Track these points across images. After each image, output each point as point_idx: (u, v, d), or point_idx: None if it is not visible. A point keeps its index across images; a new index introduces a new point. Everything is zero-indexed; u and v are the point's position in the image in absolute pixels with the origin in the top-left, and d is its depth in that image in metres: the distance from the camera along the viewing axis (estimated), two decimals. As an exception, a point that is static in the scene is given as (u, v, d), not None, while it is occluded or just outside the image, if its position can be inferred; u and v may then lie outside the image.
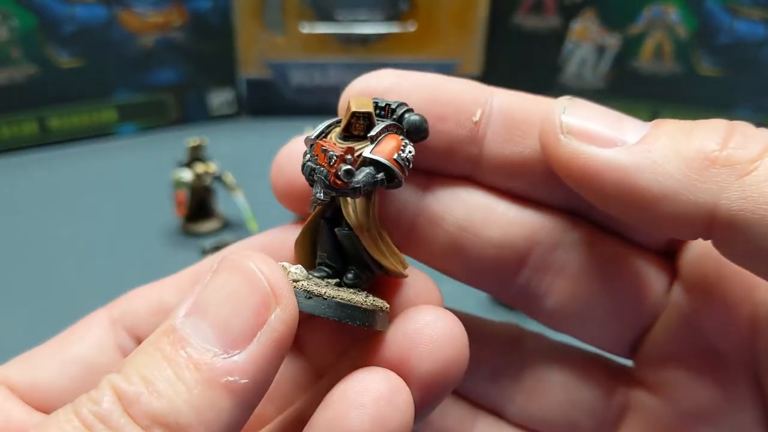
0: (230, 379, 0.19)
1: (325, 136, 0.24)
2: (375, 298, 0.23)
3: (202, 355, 0.19)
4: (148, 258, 0.73)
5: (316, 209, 0.24)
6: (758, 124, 0.22)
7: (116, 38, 0.94)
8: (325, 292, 0.22)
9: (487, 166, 0.26)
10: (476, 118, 0.25)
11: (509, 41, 1.00)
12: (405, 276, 0.25)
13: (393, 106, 0.24)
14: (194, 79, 1.01)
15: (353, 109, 0.23)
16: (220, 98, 1.04)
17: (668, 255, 0.27)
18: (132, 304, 0.27)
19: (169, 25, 0.97)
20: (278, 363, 0.20)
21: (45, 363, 0.25)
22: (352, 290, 0.23)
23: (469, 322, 0.28)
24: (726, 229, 0.20)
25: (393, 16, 1.00)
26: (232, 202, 0.78)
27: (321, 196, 0.22)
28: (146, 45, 0.96)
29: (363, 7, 0.99)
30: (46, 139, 0.95)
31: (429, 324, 0.23)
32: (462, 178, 0.26)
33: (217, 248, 0.72)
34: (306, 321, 0.28)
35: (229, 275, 0.20)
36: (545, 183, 0.26)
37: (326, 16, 0.99)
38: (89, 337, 0.26)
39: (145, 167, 0.90)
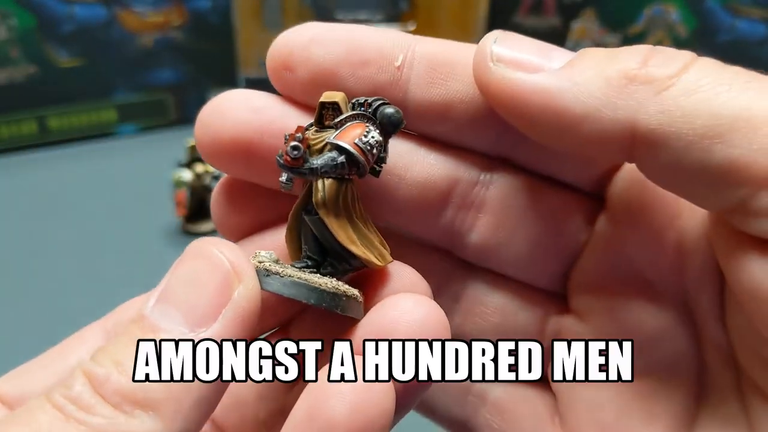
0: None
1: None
2: (343, 284, 0.24)
3: (171, 335, 0.20)
4: (148, 258, 0.73)
5: (298, 202, 0.25)
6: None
7: (116, 38, 0.94)
8: (283, 271, 0.23)
9: (411, 111, 0.26)
10: (398, 63, 0.25)
11: (509, 41, 1.00)
12: (378, 266, 0.25)
13: (369, 101, 0.24)
14: (194, 79, 1.01)
15: (321, 99, 0.24)
16: (219, 98, 1.04)
17: (596, 196, 0.28)
18: (126, 312, 0.27)
19: (169, 25, 0.97)
20: (245, 335, 0.21)
21: (37, 377, 0.25)
22: (327, 279, 0.24)
23: (413, 241, 0.29)
24: (646, 146, 0.21)
25: (393, 16, 1.00)
26: (232, 202, 0.78)
27: (283, 179, 0.24)
28: (146, 45, 0.96)
29: (363, 7, 0.99)
30: (46, 139, 0.95)
31: (407, 311, 0.23)
32: None
33: None
34: (288, 318, 0.28)
35: (192, 260, 0.21)
36: (468, 126, 0.26)
37: (326, 16, 0.99)
38: (83, 349, 0.26)
39: (145, 167, 0.90)
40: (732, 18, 0.91)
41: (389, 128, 0.24)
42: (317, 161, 0.23)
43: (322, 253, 0.25)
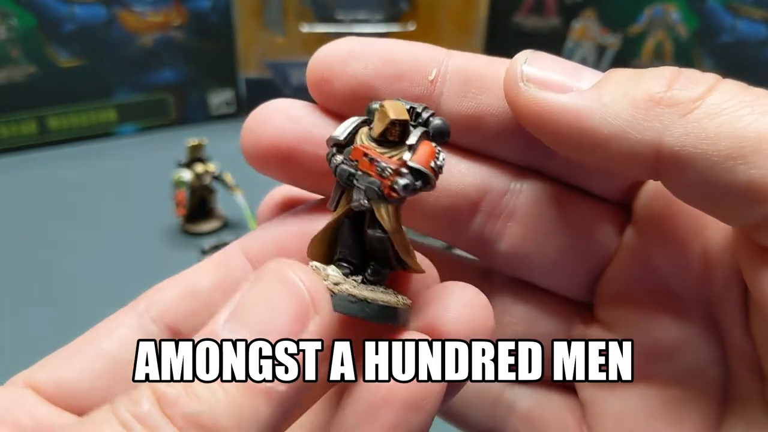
0: (269, 385, 0.19)
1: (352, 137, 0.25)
2: (403, 297, 0.25)
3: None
4: (148, 258, 0.73)
5: (344, 209, 0.25)
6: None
7: (116, 38, 0.94)
8: (366, 296, 0.23)
9: None
10: (431, 77, 0.26)
11: (509, 41, 1.00)
12: (423, 272, 0.26)
13: (418, 110, 0.25)
14: (194, 79, 1.01)
15: (392, 116, 0.24)
16: (219, 98, 1.04)
17: (624, 207, 0.28)
18: (159, 294, 0.27)
19: (169, 25, 0.97)
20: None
21: (69, 362, 0.25)
22: (382, 289, 0.24)
23: (443, 255, 0.30)
24: (671, 165, 0.22)
25: (393, 16, 1.00)
26: (232, 201, 0.78)
27: (365, 203, 0.23)
28: (146, 45, 0.97)
29: (363, 7, 0.99)
30: (46, 139, 0.95)
31: (469, 306, 0.24)
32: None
33: (217, 248, 0.72)
34: None
35: (270, 283, 0.21)
36: (499, 138, 0.27)
37: (326, 16, 0.99)
38: (113, 333, 0.26)
39: (145, 167, 0.90)
40: (733, 18, 0.91)
41: (439, 138, 0.25)
42: (402, 190, 0.23)
43: (362, 258, 0.25)
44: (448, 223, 0.28)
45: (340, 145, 0.24)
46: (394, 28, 1.00)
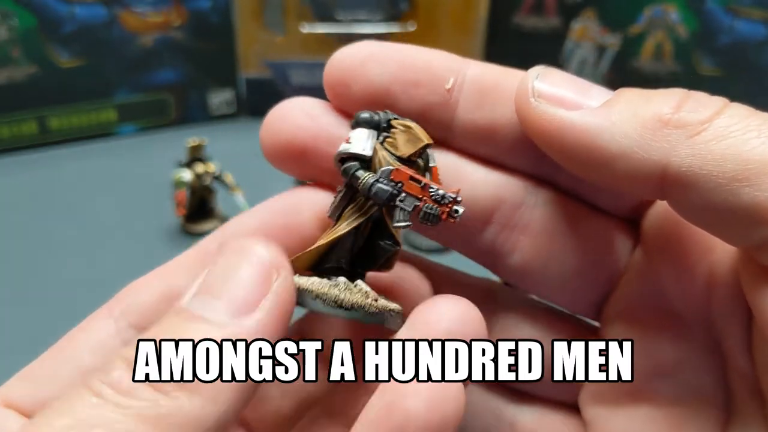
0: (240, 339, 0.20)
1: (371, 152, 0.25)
2: (392, 304, 0.25)
3: (213, 325, 0.20)
4: (148, 258, 0.72)
5: (353, 222, 0.26)
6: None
7: (116, 38, 0.94)
8: (358, 302, 0.24)
9: (458, 131, 0.27)
10: (449, 86, 0.27)
11: (509, 41, 1.00)
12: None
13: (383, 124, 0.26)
14: (194, 79, 1.01)
15: (426, 141, 0.25)
16: (219, 98, 1.04)
17: (633, 222, 0.29)
18: (135, 297, 0.27)
19: (169, 25, 0.97)
20: (284, 326, 0.22)
21: (46, 378, 0.25)
22: (375, 295, 0.25)
23: (446, 273, 0.30)
24: (677, 186, 0.22)
25: (393, 16, 1.00)
26: (232, 202, 0.78)
27: (406, 224, 0.24)
28: (146, 45, 0.97)
29: (363, 7, 0.99)
30: (46, 139, 0.95)
31: (463, 322, 0.24)
32: (435, 142, 0.28)
33: None
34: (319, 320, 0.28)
35: (232, 255, 0.22)
36: (513, 149, 0.27)
37: (326, 16, 0.99)
38: (91, 342, 0.26)
39: (145, 167, 0.90)
40: (732, 19, 0.91)
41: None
42: (460, 218, 0.24)
43: (352, 264, 0.26)
44: (461, 232, 0.28)
45: (363, 160, 0.25)
46: (394, 28, 1.00)
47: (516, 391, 0.30)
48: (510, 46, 0.99)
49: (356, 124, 0.25)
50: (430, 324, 0.23)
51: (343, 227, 0.25)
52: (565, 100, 0.24)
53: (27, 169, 0.92)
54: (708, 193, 0.21)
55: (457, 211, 0.24)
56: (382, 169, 0.24)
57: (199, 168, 0.77)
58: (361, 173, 0.24)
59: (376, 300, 0.25)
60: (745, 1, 0.90)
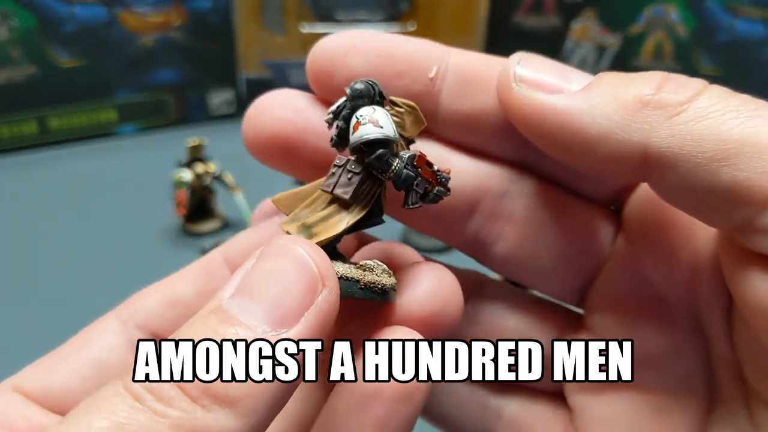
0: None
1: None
2: (392, 279, 0.25)
3: (252, 332, 0.20)
4: (148, 258, 0.73)
5: (368, 207, 0.26)
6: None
7: (116, 38, 0.94)
8: (359, 277, 0.24)
9: (442, 120, 0.27)
10: (431, 75, 0.26)
11: (509, 41, 1.00)
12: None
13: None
14: (194, 79, 1.01)
15: (425, 123, 0.25)
16: (219, 98, 1.04)
17: (615, 208, 0.29)
18: (142, 301, 0.27)
19: (169, 25, 0.97)
20: (321, 342, 0.21)
21: (57, 368, 0.25)
22: (377, 271, 0.25)
23: None
24: (658, 167, 0.22)
25: (393, 16, 1.00)
26: (232, 202, 0.78)
27: (418, 205, 0.25)
28: (146, 45, 0.97)
29: (363, 7, 0.99)
30: (46, 139, 0.95)
31: (440, 285, 0.25)
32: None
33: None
34: None
35: (278, 258, 0.21)
36: (496, 137, 0.27)
37: (326, 16, 0.99)
38: (100, 339, 0.26)
39: (145, 167, 0.90)
40: (731, 18, 0.91)
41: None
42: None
43: None
44: (446, 222, 0.28)
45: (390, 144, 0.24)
46: (394, 28, 1.00)
47: (501, 382, 0.31)
48: (510, 45, 0.99)
49: (356, 97, 0.24)
50: (419, 301, 0.24)
51: (357, 212, 0.25)
52: (546, 84, 0.24)
53: (27, 169, 0.92)
54: (688, 173, 0.21)
55: (449, 189, 0.25)
56: (408, 155, 0.24)
57: (199, 168, 0.77)
58: (396, 162, 0.24)
59: (392, 276, 0.25)
60: (744, 0, 0.90)
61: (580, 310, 0.30)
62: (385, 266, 0.25)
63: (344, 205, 0.25)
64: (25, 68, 0.91)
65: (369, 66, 0.26)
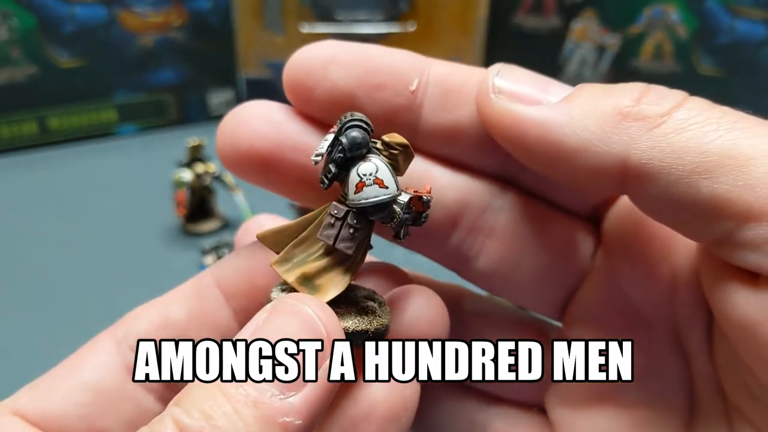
0: (286, 419, 0.19)
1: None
2: (389, 313, 0.25)
3: (261, 395, 0.20)
4: (148, 258, 0.73)
5: (367, 252, 0.26)
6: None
7: (116, 38, 0.94)
8: (372, 326, 0.24)
9: (423, 133, 0.27)
10: (413, 87, 0.26)
11: (509, 41, 1.00)
12: None
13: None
14: (194, 79, 1.01)
15: (414, 155, 0.24)
16: (219, 98, 1.04)
17: (595, 221, 0.29)
18: (135, 323, 0.27)
19: (169, 25, 0.97)
20: (328, 404, 0.21)
21: (54, 391, 0.25)
22: (377, 312, 0.25)
23: (415, 279, 0.30)
24: (638, 179, 0.22)
25: (393, 16, 1.00)
26: (232, 202, 0.78)
27: (408, 235, 0.25)
28: (146, 45, 0.97)
29: (363, 7, 0.99)
30: (46, 139, 0.95)
31: (427, 308, 0.25)
32: None
33: (216, 248, 0.72)
34: None
35: (288, 318, 0.21)
36: (477, 150, 0.27)
37: (326, 16, 0.99)
38: (96, 361, 0.26)
39: (145, 167, 0.90)
40: (732, 19, 0.91)
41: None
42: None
43: None
44: (428, 237, 0.28)
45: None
46: (394, 28, 1.00)
47: (487, 395, 0.31)
48: (510, 46, 0.99)
49: (354, 148, 0.23)
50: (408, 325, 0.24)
51: (358, 260, 0.25)
52: (525, 96, 0.24)
53: (27, 169, 0.92)
54: (668, 185, 0.21)
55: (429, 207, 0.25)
56: (405, 201, 0.24)
57: (199, 168, 0.77)
58: (395, 212, 0.24)
59: (389, 310, 0.25)
60: (745, 0, 0.90)
61: (559, 324, 0.30)
62: (382, 299, 0.25)
63: (344, 255, 0.24)
64: (25, 68, 0.91)
65: (350, 78, 0.25)
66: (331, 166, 0.23)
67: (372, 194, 0.23)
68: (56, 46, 0.92)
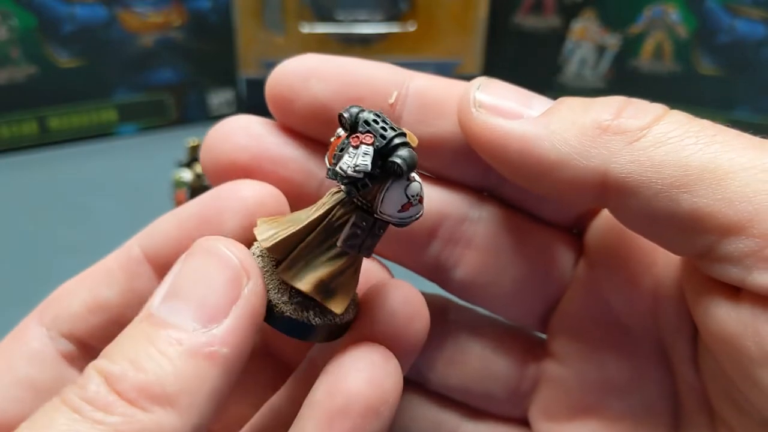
0: (211, 349, 0.20)
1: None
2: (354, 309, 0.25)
3: (184, 332, 0.20)
4: (148, 258, 0.73)
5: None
6: (757, 125, 0.22)
7: (116, 38, 0.94)
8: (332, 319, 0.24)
9: None
10: (392, 100, 0.26)
11: (509, 41, 1.00)
12: None
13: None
14: (194, 79, 1.01)
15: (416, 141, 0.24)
16: (219, 98, 1.04)
17: (577, 232, 0.29)
18: (64, 307, 0.27)
19: (169, 25, 0.97)
20: (254, 332, 0.21)
21: None
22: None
23: None
24: (617, 193, 0.22)
25: (393, 16, 1.00)
26: (232, 202, 0.78)
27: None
28: (146, 45, 0.97)
29: (363, 7, 0.99)
30: (46, 139, 0.95)
31: (405, 302, 0.25)
32: None
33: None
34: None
35: (201, 257, 0.21)
36: (457, 162, 0.27)
37: (326, 16, 0.99)
38: (26, 352, 0.26)
39: (145, 167, 0.90)
40: (732, 18, 0.91)
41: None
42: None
43: None
44: (406, 247, 0.28)
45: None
46: (394, 28, 1.00)
47: (470, 408, 0.31)
48: (510, 46, 0.99)
49: (414, 168, 0.22)
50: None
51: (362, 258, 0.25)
52: (506, 109, 0.24)
53: (27, 169, 0.92)
54: (648, 199, 0.21)
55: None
56: (416, 195, 0.24)
57: (199, 168, 0.77)
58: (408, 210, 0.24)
59: (344, 318, 0.25)
60: (745, 0, 0.90)
61: (544, 335, 0.30)
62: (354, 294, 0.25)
63: (354, 257, 0.24)
64: (25, 68, 0.91)
65: (330, 91, 0.26)
66: (367, 180, 0.22)
67: (415, 212, 0.23)
68: (56, 46, 0.92)
